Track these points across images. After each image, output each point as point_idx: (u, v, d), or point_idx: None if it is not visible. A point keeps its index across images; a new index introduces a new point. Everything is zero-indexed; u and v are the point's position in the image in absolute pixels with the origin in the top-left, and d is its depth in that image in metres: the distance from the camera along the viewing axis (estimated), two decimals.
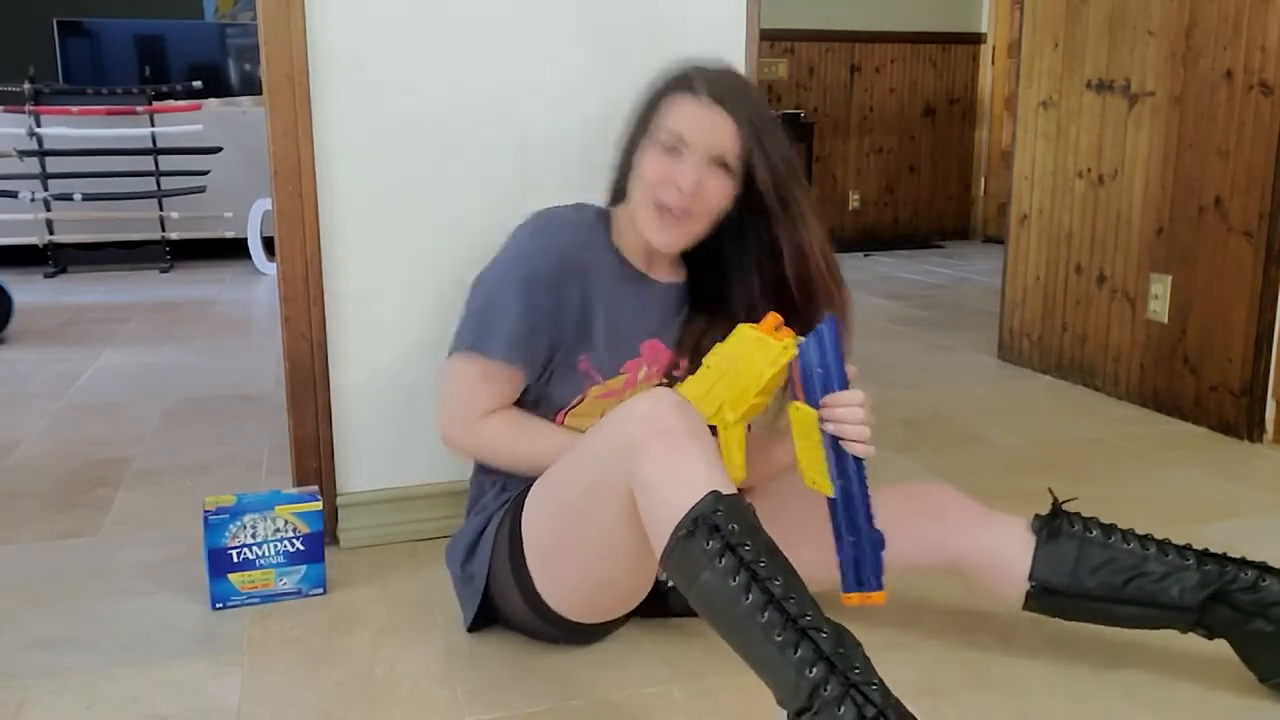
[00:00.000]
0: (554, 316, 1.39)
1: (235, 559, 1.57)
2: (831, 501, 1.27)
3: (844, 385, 1.26)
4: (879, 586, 1.28)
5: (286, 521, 1.59)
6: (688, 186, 1.33)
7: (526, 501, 1.37)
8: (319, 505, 1.61)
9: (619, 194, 1.48)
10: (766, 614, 1.04)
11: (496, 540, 1.39)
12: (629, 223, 1.44)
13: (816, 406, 1.26)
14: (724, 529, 1.09)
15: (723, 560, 1.08)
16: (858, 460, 1.26)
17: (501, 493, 1.44)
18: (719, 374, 1.29)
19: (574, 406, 1.43)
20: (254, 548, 1.58)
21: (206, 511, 1.56)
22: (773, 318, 1.29)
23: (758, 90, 1.41)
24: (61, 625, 1.54)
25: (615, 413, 1.24)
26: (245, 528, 1.57)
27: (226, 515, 1.56)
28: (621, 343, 1.44)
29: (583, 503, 1.27)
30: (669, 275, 1.49)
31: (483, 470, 1.51)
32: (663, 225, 1.37)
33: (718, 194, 1.36)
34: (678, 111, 1.35)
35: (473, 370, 1.40)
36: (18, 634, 1.52)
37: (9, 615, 1.58)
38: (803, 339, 1.27)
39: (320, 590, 1.63)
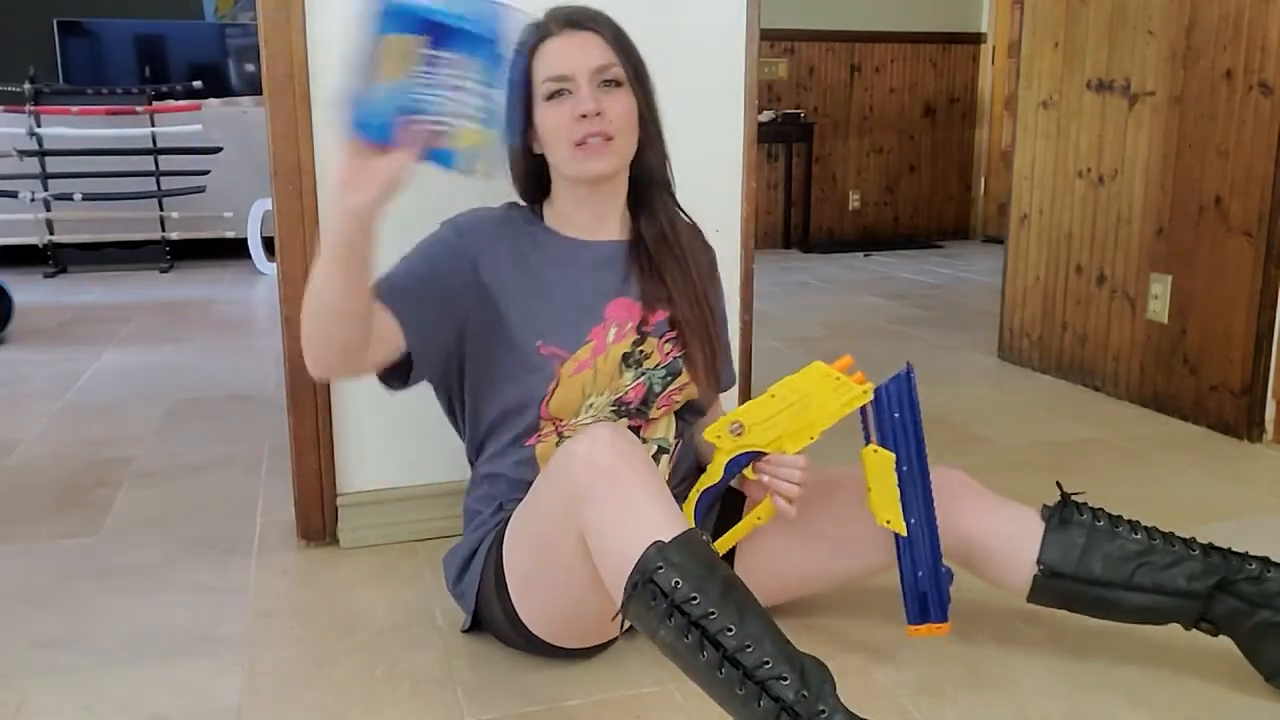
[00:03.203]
0: (445, 275, 1.36)
1: None
2: (901, 539, 1.33)
3: (920, 433, 1.32)
4: (944, 618, 1.34)
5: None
6: (590, 108, 1.32)
7: (508, 526, 1.36)
8: None
9: (532, 194, 1.48)
10: (724, 670, 1.03)
11: (487, 559, 1.39)
12: (564, 196, 1.44)
13: (893, 450, 1.31)
14: (666, 587, 1.06)
15: (671, 619, 1.06)
16: (928, 501, 1.32)
17: (498, 511, 1.43)
18: (785, 405, 1.31)
19: (552, 394, 1.40)
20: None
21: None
22: (847, 360, 1.32)
23: (606, 14, 1.41)
24: (61, 625, 1.54)
25: (557, 455, 1.24)
26: None
27: None
28: (579, 311, 1.41)
29: (544, 540, 1.27)
30: (619, 234, 1.46)
31: (479, 486, 1.49)
32: (588, 155, 1.35)
33: (623, 109, 1.36)
34: (545, 58, 1.36)
35: None
36: (18, 634, 1.52)
37: (9, 615, 1.58)
38: (880, 386, 1.31)
39: None
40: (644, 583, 1.07)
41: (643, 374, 1.42)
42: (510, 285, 1.40)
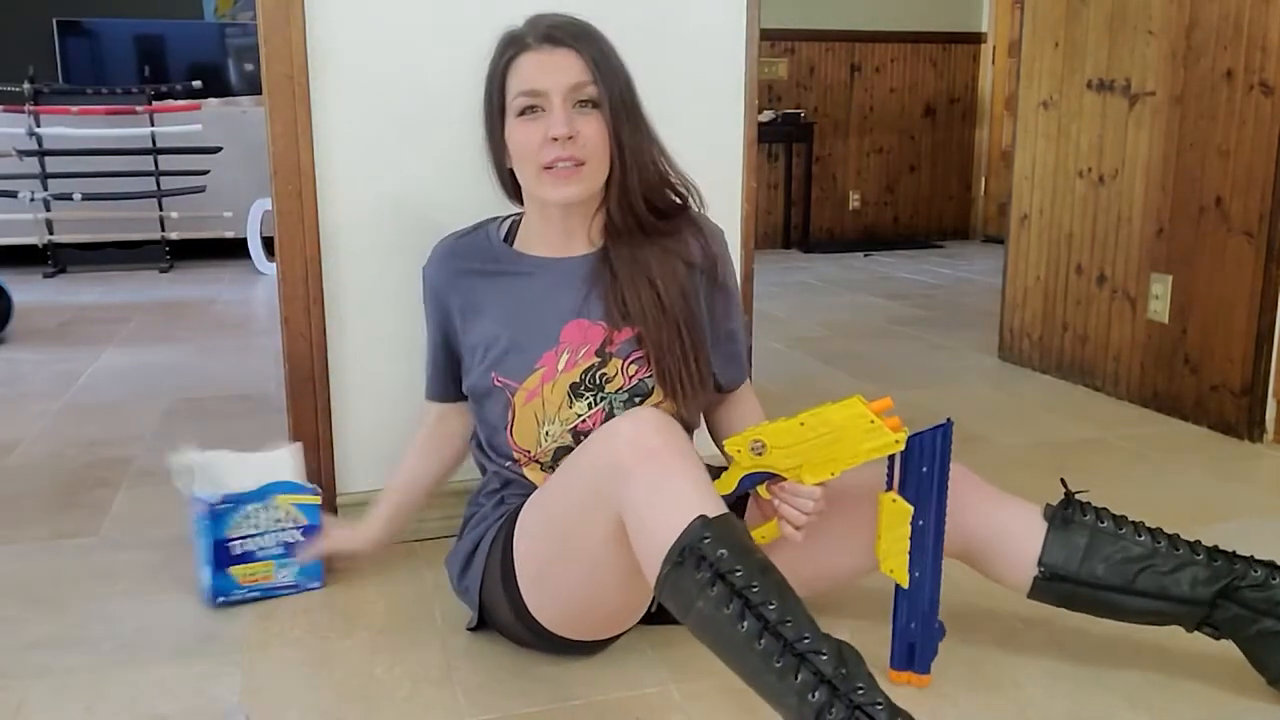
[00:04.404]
0: (444, 348, 1.52)
1: (235, 551, 1.58)
2: (903, 589, 1.33)
3: (944, 491, 1.30)
4: (927, 670, 1.35)
5: (286, 512, 1.59)
6: (562, 132, 1.29)
7: (519, 517, 1.36)
8: (318, 499, 1.62)
9: (513, 193, 1.46)
10: (763, 641, 1.03)
11: (490, 552, 1.38)
12: (533, 212, 1.42)
13: (912, 503, 1.29)
14: (712, 557, 1.07)
15: (714, 589, 1.06)
16: (937, 557, 1.31)
17: (500, 505, 1.43)
18: (814, 435, 1.27)
19: (511, 425, 1.40)
20: (255, 538, 1.58)
21: (211, 503, 1.56)
22: (886, 402, 1.28)
23: (591, 25, 1.38)
24: (61, 625, 1.54)
25: (598, 435, 1.23)
26: (248, 518, 1.57)
27: (230, 505, 1.56)
28: (529, 337, 1.39)
29: (571, 525, 1.26)
30: (588, 249, 1.42)
31: (480, 489, 1.50)
32: (557, 180, 1.32)
33: (595, 132, 1.31)
34: (520, 72, 1.33)
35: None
36: (18, 634, 1.52)
37: (9, 615, 1.58)
38: (914, 435, 1.29)
39: (317, 584, 1.64)
40: (689, 549, 1.08)
41: (603, 398, 1.38)
42: (470, 318, 1.43)
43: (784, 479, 1.30)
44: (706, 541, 1.08)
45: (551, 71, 1.31)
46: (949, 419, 1.30)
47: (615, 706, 1.32)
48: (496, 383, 1.40)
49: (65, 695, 1.35)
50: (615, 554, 1.20)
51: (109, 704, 1.33)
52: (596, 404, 1.38)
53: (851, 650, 1.04)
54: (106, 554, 1.81)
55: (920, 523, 1.30)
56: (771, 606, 1.05)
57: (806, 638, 1.03)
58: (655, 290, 1.38)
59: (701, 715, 1.30)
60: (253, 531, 1.58)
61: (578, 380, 1.38)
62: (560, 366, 1.38)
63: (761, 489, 1.33)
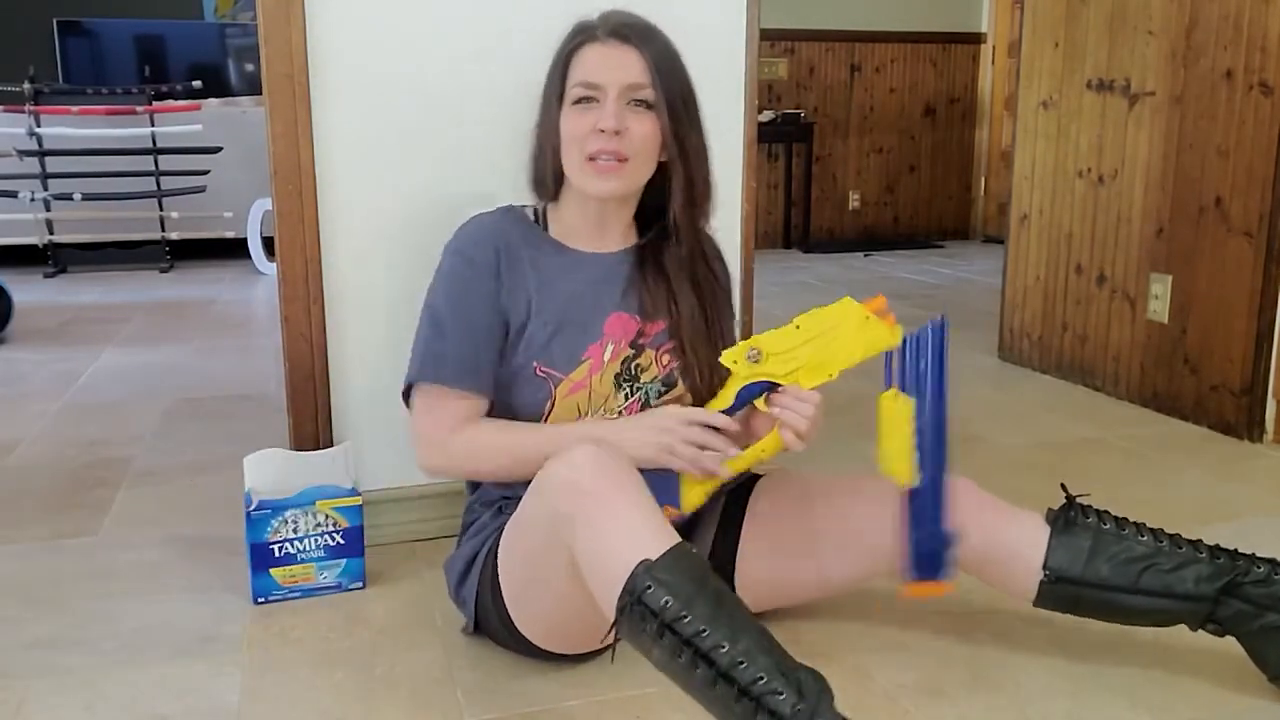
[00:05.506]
0: (489, 329, 1.38)
1: (276, 554, 1.59)
2: (911, 491, 1.27)
3: (943, 388, 1.25)
4: (943, 576, 1.28)
5: (327, 516, 1.59)
6: (610, 125, 1.30)
7: (500, 541, 1.35)
8: (359, 500, 1.62)
9: (544, 188, 1.44)
10: (718, 687, 1.02)
11: (485, 565, 1.38)
12: (572, 204, 1.42)
13: (915, 398, 1.25)
14: (656, 606, 1.05)
15: (664, 639, 1.05)
16: (940, 459, 1.26)
17: (498, 515, 1.42)
18: (808, 337, 1.26)
19: (549, 414, 1.39)
20: (295, 542, 1.59)
21: (248, 509, 1.57)
22: (880, 300, 1.26)
23: (661, 31, 1.39)
24: (61, 625, 1.54)
25: (539, 478, 1.22)
26: (286, 523, 1.58)
27: (269, 511, 1.57)
28: (576, 329, 1.39)
29: (535, 555, 1.26)
30: (622, 243, 1.45)
31: (478, 498, 1.49)
32: (599, 174, 1.33)
33: (646, 133, 1.33)
34: (582, 62, 1.35)
35: (434, 396, 1.38)
36: (18, 634, 1.52)
37: (9, 615, 1.58)
38: (910, 333, 1.25)
39: (360, 584, 1.64)
40: (633, 604, 1.07)
41: (639, 388, 1.40)
42: (514, 302, 1.40)
43: (782, 387, 1.28)
44: (649, 591, 1.06)
45: (612, 67, 1.33)
46: (942, 315, 1.27)
47: (615, 707, 1.32)
48: (539, 373, 1.38)
49: (65, 695, 1.35)
50: (580, 586, 1.18)
51: (109, 704, 1.33)
52: (633, 394, 1.40)
53: (813, 681, 1.03)
54: (106, 554, 1.81)
55: (921, 419, 1.25)
56: (723, 650, 1.03)
57: (761, 678, 1.01)
58: (692, 286, 1.43)
59: (701, 715, 1.30)
60: (293, 535, 1.59)
61: (619, 370, 1.40)
62: (605, 359, 1.40)
63: (760, 402, 1.30)
